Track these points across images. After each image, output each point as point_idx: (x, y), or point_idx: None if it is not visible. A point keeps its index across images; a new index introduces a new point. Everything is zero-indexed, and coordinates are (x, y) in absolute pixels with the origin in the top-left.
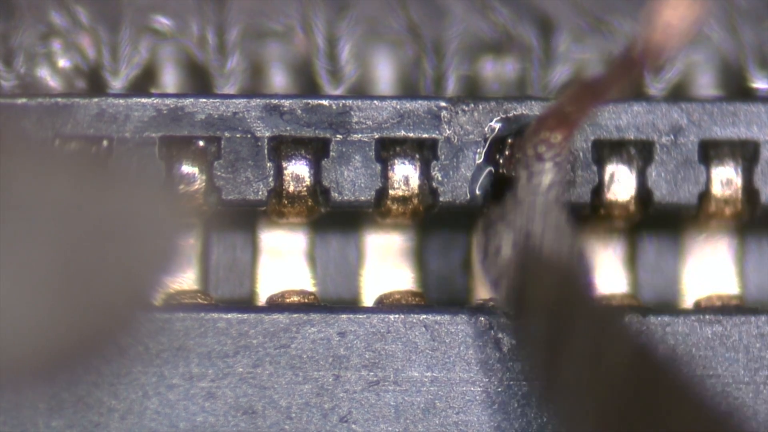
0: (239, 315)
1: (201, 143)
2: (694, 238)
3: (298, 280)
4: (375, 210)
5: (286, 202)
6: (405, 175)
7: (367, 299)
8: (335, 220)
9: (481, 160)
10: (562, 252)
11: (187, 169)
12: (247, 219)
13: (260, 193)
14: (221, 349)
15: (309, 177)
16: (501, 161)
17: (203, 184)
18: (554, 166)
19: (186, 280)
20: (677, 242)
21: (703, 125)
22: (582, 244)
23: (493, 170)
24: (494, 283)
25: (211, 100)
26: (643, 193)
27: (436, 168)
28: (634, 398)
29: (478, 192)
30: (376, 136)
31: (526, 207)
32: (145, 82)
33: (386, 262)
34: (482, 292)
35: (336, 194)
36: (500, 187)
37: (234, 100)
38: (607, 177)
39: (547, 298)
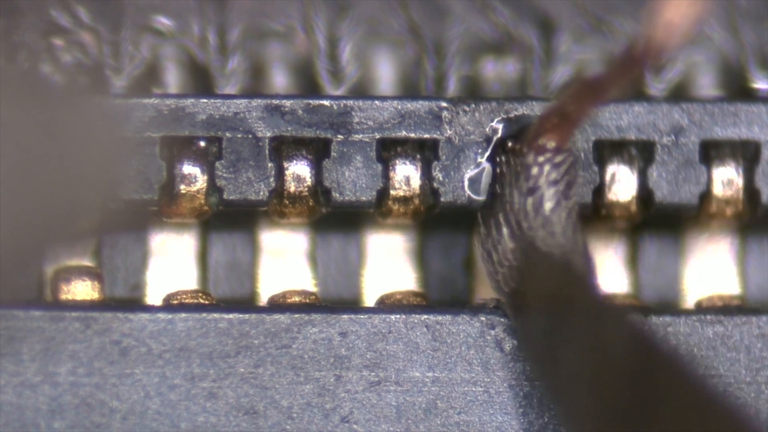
0: (240, 315)
1: (202, 143)
2: (696, 238)
3: (299, 281)
4: (376, 210)
5: (287, 202)
6: (406, 175)
7: (369, 299)
8: (336, 220)
9: (483, 160)
10: (562, 246)
11: (188, 169)
12: (248, 219)
13: (261, 193)
14: (222, 350)
15: (310, 177)
16: (501, 162)
17: (204, 184)
18: (554, 168)
19: (187, 279)
20: (678, 242)
21: (704, 125)
22: (583, 239)
23: (492, 170)
24: (493, 277)
25: (212, 100)
26: (644, 193)
27: (437, 168)
28: (634, 396)
29: (472, 195)
30: (377, 137)
31: (522, 203)
32: (147, 82)
33: (387, 263)
34: (484, 292)
35: (337, 194)
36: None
37: (235, 101)
38: (608, 177)
39: (547, 292)
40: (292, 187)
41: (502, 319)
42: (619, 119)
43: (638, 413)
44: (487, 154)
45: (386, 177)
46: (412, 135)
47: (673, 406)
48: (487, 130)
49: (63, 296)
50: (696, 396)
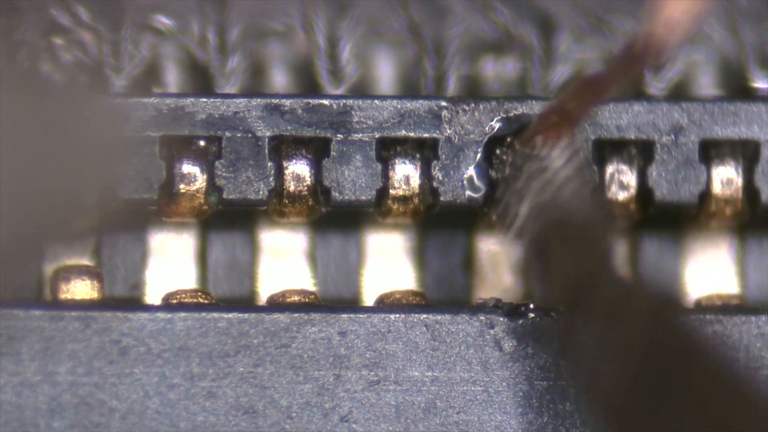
0: (240, 314)
1: (202, 143)
2: (695, 237)
3: (298, 280)
4: (376, 209)
5: (286, 201)
6: (405, 174)
7: (368, 299)
8: (336, 219)
9: (480, 158)
10: (583, 215)
11: (188, 168)
12: (247, 218)
13: (261, 192)
14: (222, 349)
15: (310, 176)
16: (498, 161)
17: (204, 183)
18: (560, 156)
19: (186, 279)
20: (678, 242)
21: (704, 125)
22: (604, 214)
23: (490, 170)
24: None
25: (211, 99)
26: (644, 192)
27: (437, 167)
28: (652, 378)
29: (470, 193)
30: (377, 136)
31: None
32: (147, 81)
33: (387, 262)
34: (483, 291)
35: (337, 194)
36: (498, 188)
37: (235, 100)
38: (607, 176)
39: (568, 263)
40: (291, 186)
41: (501, 319)
42: (619, 118)
43: (658, 396)
44: (480, 150)
45: (386, 176)
46: (412, 134)
47: (695, 390)
48: (487, 129)
49: (62, 295)
50: (717, 378)
